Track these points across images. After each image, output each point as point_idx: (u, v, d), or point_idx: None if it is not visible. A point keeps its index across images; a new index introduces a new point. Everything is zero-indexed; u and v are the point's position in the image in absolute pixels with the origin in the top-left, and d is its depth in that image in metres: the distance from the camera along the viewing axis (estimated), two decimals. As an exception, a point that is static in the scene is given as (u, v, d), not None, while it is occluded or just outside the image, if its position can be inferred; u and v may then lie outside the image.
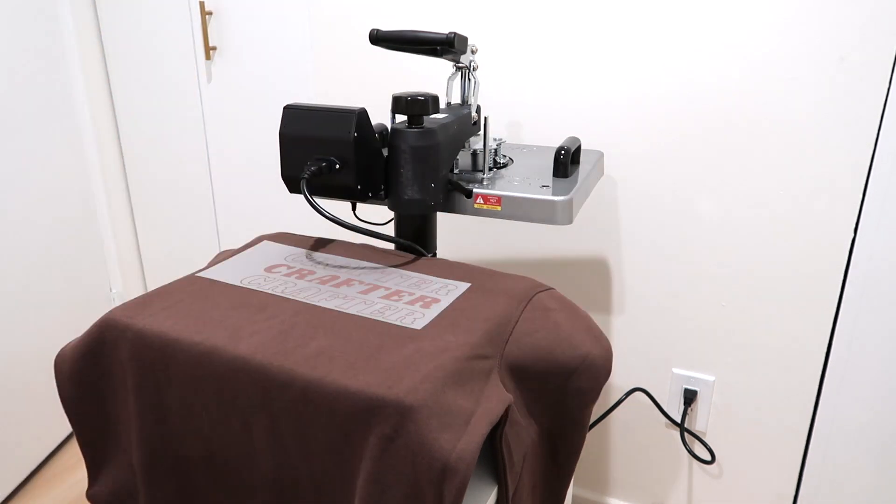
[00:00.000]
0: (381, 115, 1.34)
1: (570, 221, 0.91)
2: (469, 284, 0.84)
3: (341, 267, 0.89)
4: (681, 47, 1.09)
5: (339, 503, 0.68)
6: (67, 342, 0.84)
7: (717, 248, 1.17)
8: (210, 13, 1.47)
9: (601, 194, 1.22)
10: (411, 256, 0.92)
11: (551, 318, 0.78)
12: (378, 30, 0.93)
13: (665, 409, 1.30)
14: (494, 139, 1.05)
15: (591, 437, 1.40)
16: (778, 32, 1.02)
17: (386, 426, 0.62)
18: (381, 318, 0.75)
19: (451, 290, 0.82)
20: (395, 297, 0.80)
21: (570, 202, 0.90)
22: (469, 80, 1.04)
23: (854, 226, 1.08)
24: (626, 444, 1.38)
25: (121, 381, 0.78)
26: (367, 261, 0.90)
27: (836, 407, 1.17)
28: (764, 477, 1.28)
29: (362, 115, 0.85)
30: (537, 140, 1.24)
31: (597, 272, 1.28)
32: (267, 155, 1.55)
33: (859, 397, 1.15)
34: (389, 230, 0.99)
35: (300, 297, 0.80)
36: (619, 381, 1.34)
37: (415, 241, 0.96)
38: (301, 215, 1.55)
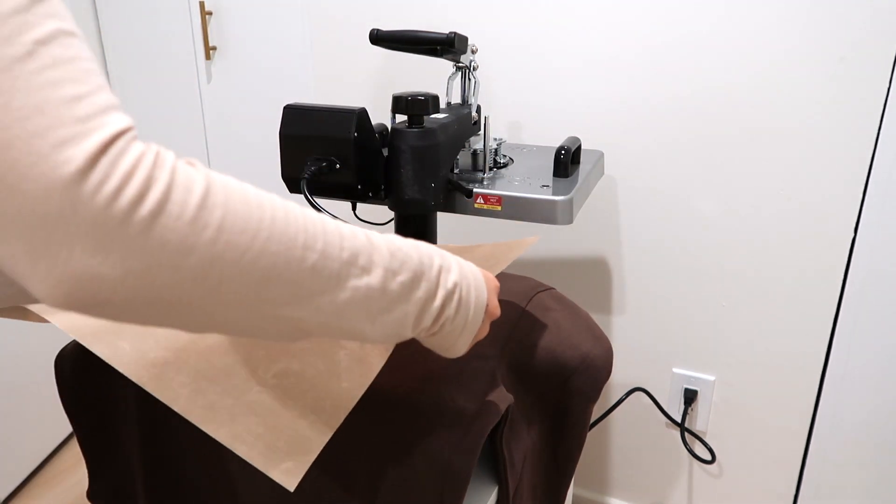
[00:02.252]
0: (381, 115, 1.34)
1: (570, 221, 0.91)
2: (469, 284, 0.84)
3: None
4: (681, 47, 1.09)
5: None
6: (68, 342, 0.84)
7: (717, 248, 1.17)
8: (210, 13, 1.47)
9: (601, 194, 1.22)
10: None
11: (551, 317, 0.78)
12: (378, 30, 0.93)
13: (665, 409, 1.30)
14: (494, 139, 1.05)
15: (591, 437, 1.40)
16: (778, 33, 1.02)
17: (387, 427, 0.62)
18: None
19: (451, 290, 0.82)
20: (396, 297, 0.80)
21: (570, 202, 0.90)
22: (469, 79, 1.04)
23: (854, 226, 1.07)
24: (626, 444, 1.38)
25: (121, 381, 0.78)
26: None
27: (836, 407, 1.17)
28: (764, 477, 1.28)
29: (362, 115, 0.85)
30: (537, 140, 1.24)
31: (597, 272, 1.28)
32: (267, 155, 1.55)
33: (859, 397, 1.15)
34: (389, 230, 0.99)
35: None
36: (619, 381, 1.34)
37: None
38: (301, 215, 1.55)
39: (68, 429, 1.66)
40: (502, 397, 0.65)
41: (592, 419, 1.36)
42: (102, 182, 0.29)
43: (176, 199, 0.31)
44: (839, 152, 1.05)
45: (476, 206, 0.93)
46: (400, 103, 0.87)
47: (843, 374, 1.15)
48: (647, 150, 1.16)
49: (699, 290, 1.21)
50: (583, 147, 1.19)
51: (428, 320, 0.45)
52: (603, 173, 1.20)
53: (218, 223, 0.32)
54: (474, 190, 0.92)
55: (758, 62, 1.05)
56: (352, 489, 0.66)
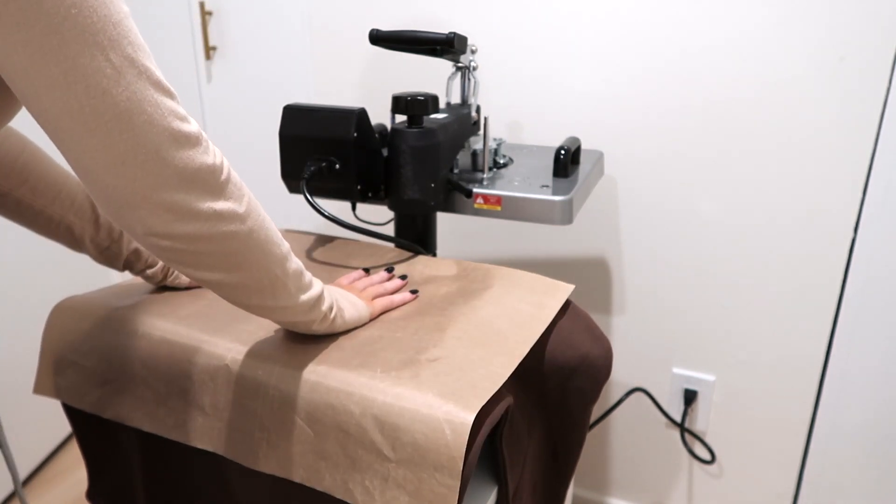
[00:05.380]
0: (381, 115, 1.34)
1: (570, 221, 0.91)
2: (469, 284, 0.84)
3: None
4: (681, 48, 1.09)
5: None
6: (67, 342, 0.84)
7: (716, 248, 1.17)
8: (210, 13, 1.47)
9: (601, 194, 1.22)
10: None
11: (551, 318, 0.78)
12: (378, 30, 0.93)
13: (665, 409, 1.30)
14: (494, 139, 1.05)
15: (591, 437, 1.40)
16: (778, 32, 1.02)
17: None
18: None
19: (451, 290, 0.82)
20: (395, 297, 0.80)
21: (570, 202, 0.90)
22: (469, 80, 1.04)
23: (854, 226, 1.08)
24: (626, 444, 1.38)
25: (121, 381, 0.78)
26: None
27: (836, 407, 1.17)
28: (764, 477, 1.28)
29: (362, 115, 0.85)
30: (537, 140, 1.24)
31: (597, 272, 1.28)
32: (267, 155, 1.55)
33: (859, 397, 1.15)
34: (389, 230, 0.99)
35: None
36: (619, 381, 1.34)
37: (415, 241, 0.96)
38: (301, 215, 1.55)
39: (68, 429, 1.66)
40: (502, 397, 0.65)
41: (592, 419, 1.36)
42: (205, 152, 0.49)
43: (234, 171, 0.53)
44: (839, 152, 1.05)
45: (476, 206, 0.93)
46: (400, 103, 0.87)
47: (842, 374, 1.15)
48: (647, 149, 1.16)
49: (699, 290, 1.21)
50: (583, 147, 1.19)
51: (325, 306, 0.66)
52: (603, 173, 1.20)
53: (248, 192, 0.55)
54: (474, 190, 0.92)
55: (758, 62, 1.05)
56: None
